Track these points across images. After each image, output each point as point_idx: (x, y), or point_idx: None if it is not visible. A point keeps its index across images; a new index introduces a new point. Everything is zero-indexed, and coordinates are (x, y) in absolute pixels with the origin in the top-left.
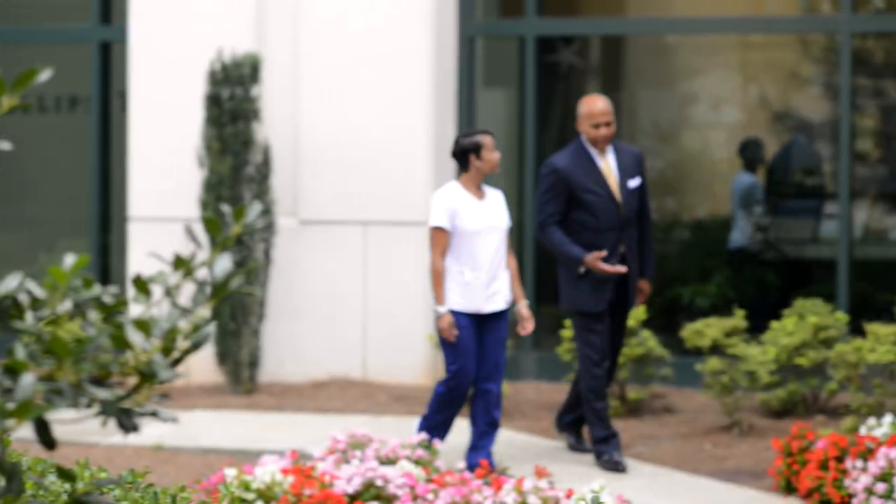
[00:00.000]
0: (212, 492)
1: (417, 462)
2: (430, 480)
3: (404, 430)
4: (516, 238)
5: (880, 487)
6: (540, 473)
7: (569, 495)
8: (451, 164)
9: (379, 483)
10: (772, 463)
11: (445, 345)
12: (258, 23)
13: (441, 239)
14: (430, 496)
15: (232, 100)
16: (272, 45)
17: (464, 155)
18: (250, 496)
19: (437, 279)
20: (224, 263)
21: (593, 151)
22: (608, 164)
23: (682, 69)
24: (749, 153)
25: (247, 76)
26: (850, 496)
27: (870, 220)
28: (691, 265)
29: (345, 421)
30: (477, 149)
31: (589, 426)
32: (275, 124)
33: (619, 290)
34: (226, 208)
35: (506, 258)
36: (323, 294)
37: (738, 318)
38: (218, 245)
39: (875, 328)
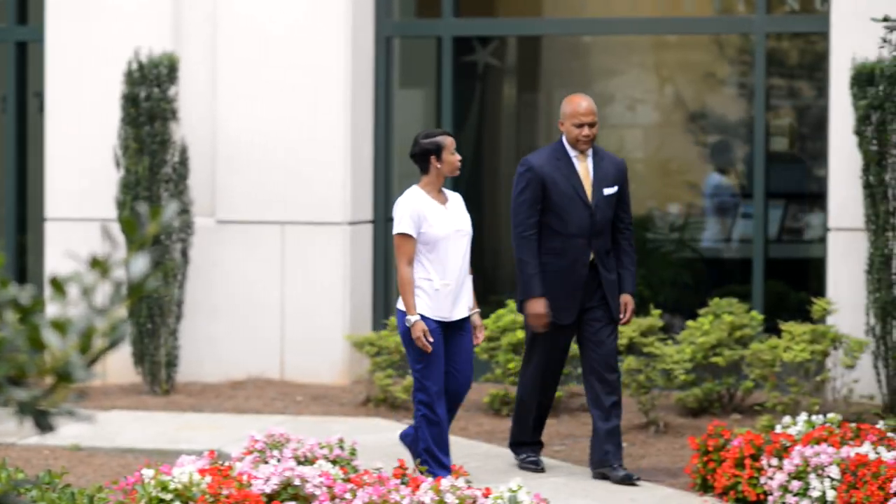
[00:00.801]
0: (129, 492)
1: (335, 462)
2: (347, 480)
3: (322, 429)
4: None
5: (795, 485)
6: (457, 472)
7: (486, 494)
8: (369, 165)
9: (297, 483)
10: (688, 461)
11: (414, 354)
12: (175, 22)
13: (407, 246)
14: (348, 496)
15: (149, 100)
16: (189, 45)
17: (424, 156)
18: (168, 496)
19: (407, 288)
20: (140, 263)
21: (573, 153)
22: (586, 168)
23: (598, 69)
24: (718, 154)
25: (164, 76)
26: (766, 494)
27: (784, 220)
28: None
29: (263, 421)
30: (437, 150)
31: (513, 424)
32: (192, 124)
33: (591, 299)
34: (142, 208)
35: (468, 262)
36: (241, 294)
37: (654, 318)
38: (134, 245)
39: (790, 327)
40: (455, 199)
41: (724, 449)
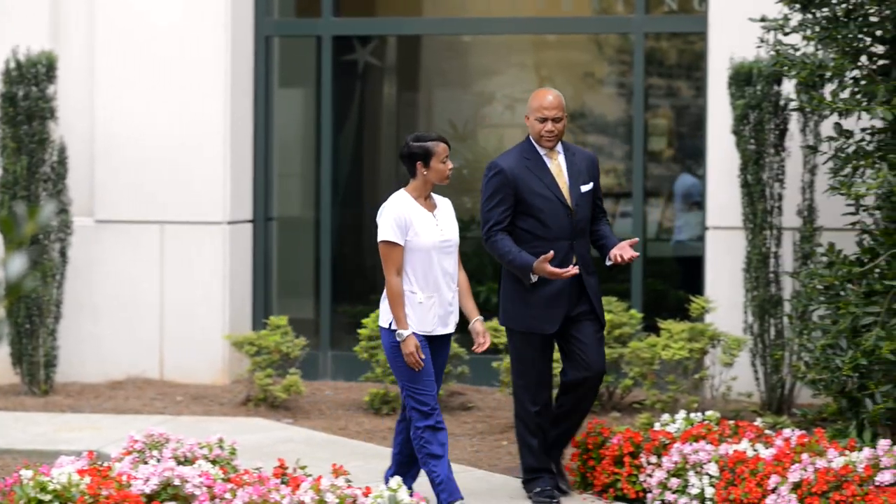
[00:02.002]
0: (7, 493)
1: (215, 462)
2: (227, 480)
3: (202, 429)
4: (313, 235)
5: (674, 482)
6: (337, 472)
7: (366, 493)
8: (248, 164)
9: (176, 483)
10: (567, 459)
11: (404, 371)
12: (54, 21)
13: (394, 255)
14: (228, 496)
15: (27, 99)
16: (68, 44)
17: (411, 160)
18: (47, 497)
19: (397, 301)
20: (18, 263)
21: (541, 150)
22: (559, 166)
23: (477, 69)
24: (687, 155)
25: (42, 74)
26: (645, 491)
27: (662, 219)
28: (487, 264)
29: (142, 421)
30: (426, 156)
31: (520, 454)
32: (71, 123)
33: (576, 305)
34: (20, 208)
35: (457, 275)
36: (120, 294)
37: None
38: (12, 245)
39: (669, 325)
40: (444, 207)
41: (604, 447)
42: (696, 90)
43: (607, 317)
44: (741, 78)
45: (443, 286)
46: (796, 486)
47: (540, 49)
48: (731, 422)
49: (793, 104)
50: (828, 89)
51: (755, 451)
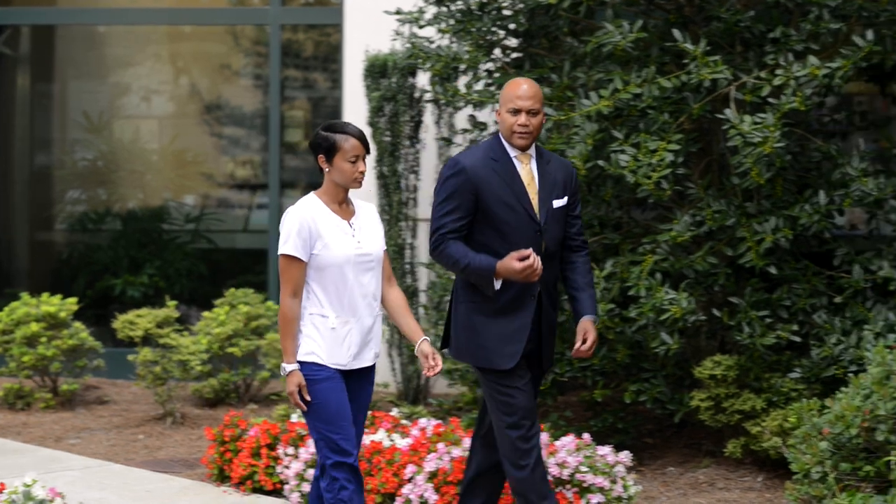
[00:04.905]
0: None
1: None
2: None
3: None
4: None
5: (311, 473)
6: None
7: (0, 489)
8: None
9: None
10: (205, 452)
11: (311, 412)
12: None
13: (292, 272)
14: None
15: None
16: None
17: (314, 152)
18: None
19: (287, 328)
20: None
21: (512, 152)
22: (530, 172)
23: (113, 59)
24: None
25: None
26: (283, 483)
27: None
28: (123, 256)
29: None
30: (329, 150)
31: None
32: None
33: (538, 338)
34: None
35: (380, 294)
36: None
37: (170, 309)
38: None
39: None
40: (366, 214)
41: (241, 439)
42: (332, 82)
43: (244, 309)
44: (376, 70)
45: (361, 309)
46: (432, 476)
47: (176, 40)
48: (368, 412)
49: (427, 96)
50: (462, 81)
51: (392, 441)
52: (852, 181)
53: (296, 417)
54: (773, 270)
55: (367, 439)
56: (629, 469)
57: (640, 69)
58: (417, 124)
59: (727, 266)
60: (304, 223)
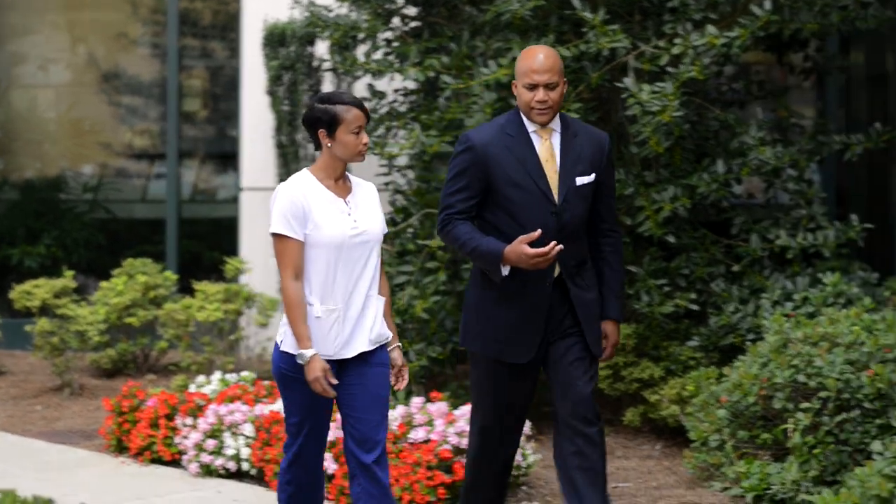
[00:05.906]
0: None
1: None
2: None
3: None
4: None
5: (210, 444)
6: None
7: None
8: None
9: None
10: (103, 423)
11: (291, 402)
12: None
13: (290, 252)
14: None
15: None
16: None
17: (313, 127)
18: None
19: (295, 311)
20: None
21: (531, 127)
22: (550, 148)
23: (9, 28)
24: (222, 116)
25: None
26: (181, 453)
27: (197, 180)
28: (19, 225)
29: None
30: (331, 123)
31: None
32: None
33: (556, 331)
34: None
35: (378, 279)
36: None
37: (68, 279)
38: None
39: (204, 287)
40: (364, 191)
41: (139, 409)
42: (230, 51)
43: (142, 278)
44: (275, 39)
45: (351, 294)
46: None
47: (73, 8)
48: (266, 382)
49: (326, 65)
50: (361, 50)
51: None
52: (750, 150)
53: (194, 388)
54: (671, 239)
55: (265, 409)
56: (528, 438)
57: (538, 38)
58: (316, 93)
59: (626, 235)
60: (295, 201)
